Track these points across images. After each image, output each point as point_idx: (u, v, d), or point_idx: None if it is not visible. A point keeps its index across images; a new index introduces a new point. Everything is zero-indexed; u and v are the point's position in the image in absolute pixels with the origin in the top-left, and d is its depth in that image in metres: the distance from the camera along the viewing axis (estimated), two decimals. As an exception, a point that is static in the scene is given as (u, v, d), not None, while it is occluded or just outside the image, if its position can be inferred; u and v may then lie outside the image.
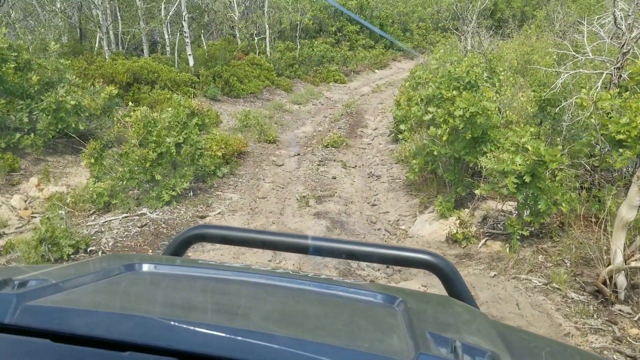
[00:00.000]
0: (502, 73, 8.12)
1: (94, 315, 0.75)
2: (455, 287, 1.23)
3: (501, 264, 5.00)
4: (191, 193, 7.06)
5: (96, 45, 14.05)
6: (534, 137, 5.36)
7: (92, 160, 6.75)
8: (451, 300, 1.15)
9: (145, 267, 1.09)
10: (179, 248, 1.33)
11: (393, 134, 10.23)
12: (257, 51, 16.53)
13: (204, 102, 11.25)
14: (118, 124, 7.44)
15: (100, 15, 12.81)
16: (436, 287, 4.21)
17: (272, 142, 10.13)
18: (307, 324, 0.88)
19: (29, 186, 7.07)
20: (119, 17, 15.35)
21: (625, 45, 5.97)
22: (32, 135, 7.53)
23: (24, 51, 7.82)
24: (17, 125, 7.62)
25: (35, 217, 6.35)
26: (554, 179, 5.22)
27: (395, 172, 8.45)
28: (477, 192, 5.60)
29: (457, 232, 5.61)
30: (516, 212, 5.59)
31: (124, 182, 6.51)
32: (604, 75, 6.33)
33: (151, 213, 6.37)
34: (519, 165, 4.90)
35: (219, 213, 6.62)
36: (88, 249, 5.33)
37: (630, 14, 6.14)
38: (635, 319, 3.93)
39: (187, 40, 13.24)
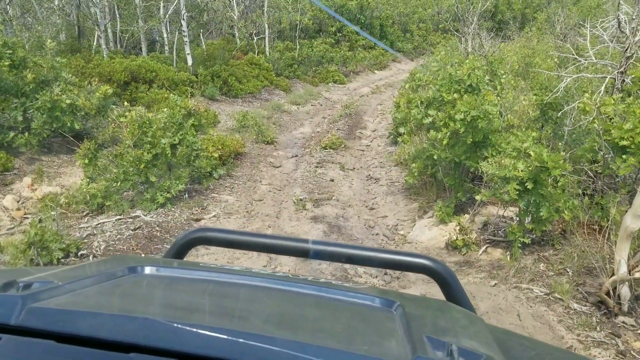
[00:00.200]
0: (504, 76, 8.00)
1: (98, 317, 0.77)
2: (453, 292, 1.23)
3: (502, 272, 4.89)
4: (186, 195, 6.94)
5: (94, 44, 13.92)
6: (536, 142, 5.26)
7: (86, 161, 6.62)
8: (449, 305, 1.16)
9: (148, 270, 1.11)
10: (180, 251, 1.35)
11: (392, 136, 10.11)
12: (256, 51, 16.40)
13: (202, 102, 11.15)
14: (113, 124, 7.32)
15: (98, 13, 12.70)
16: (434, 297, 4.09)
17: (270, 143, 10.01)
18: (306, 326, 0.90)
19: (22, 186, 6.94)
20: (118, 15, 15.23)
21: (629, 49, 5.87)
22: (26, 134, 7.40)
23: (19, 49, 7.70)
24: (11, 123, 7.50)
25: (28, 217, 6.23)
26: (556, 185, 5.11)
27: (394, 175, 8.33)
28: (477, 197, 5.49)
29: (457, 239, 5.51)
30: (517, 219, 5.48)
31: (118, 184, 6.38)
32: (607, 79, 6.24)
33: (145, 215, 6.25)
34: (521, 171, 4.80)
35: (214, 216, 6.51)
36: (79, 253, 5.21)
37: (634, 17, 6.05)
38: (639, 331, 3.83)
39: (186, 39, 13.11)
